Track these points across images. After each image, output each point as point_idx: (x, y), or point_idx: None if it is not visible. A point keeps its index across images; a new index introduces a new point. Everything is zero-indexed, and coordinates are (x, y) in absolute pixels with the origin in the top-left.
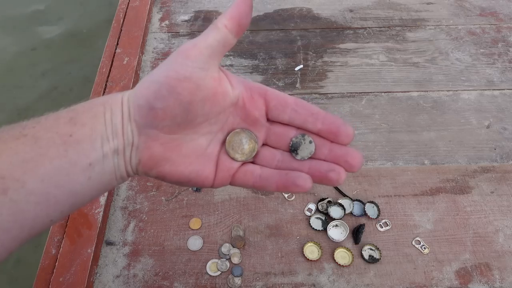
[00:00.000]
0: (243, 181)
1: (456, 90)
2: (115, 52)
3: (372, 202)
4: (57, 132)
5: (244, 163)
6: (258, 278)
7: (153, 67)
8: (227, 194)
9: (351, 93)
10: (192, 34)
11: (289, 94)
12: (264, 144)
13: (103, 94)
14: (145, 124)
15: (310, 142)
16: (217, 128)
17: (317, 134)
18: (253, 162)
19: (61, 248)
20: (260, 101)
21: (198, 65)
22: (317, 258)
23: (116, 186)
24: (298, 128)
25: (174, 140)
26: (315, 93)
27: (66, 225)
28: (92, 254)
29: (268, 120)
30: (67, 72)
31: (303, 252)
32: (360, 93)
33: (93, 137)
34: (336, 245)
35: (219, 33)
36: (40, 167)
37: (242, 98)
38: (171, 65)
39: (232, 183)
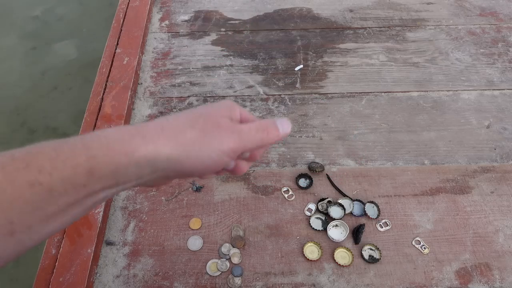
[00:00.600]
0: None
1: (456, 90)
2: (115, 52)
3: (372, 202)
4: (73, 184)
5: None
6: (258, 278)
7: (153, 67)
8: (227, 194)
9: (351, 93)
10: (192, 34)
11: (289, 94)
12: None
13: (103, 94)
14: (175, 177)
15: None
16: None
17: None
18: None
19: (61, 248)
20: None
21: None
22: (317, 258)
23: None
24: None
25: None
26: (315, 93)
27: None
28: (92, 254)
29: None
30: (67, 72)
31: (303, 252)
32: (360, 93)
33: (104, 188)
34: (336, 245)
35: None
36: (48, 215)
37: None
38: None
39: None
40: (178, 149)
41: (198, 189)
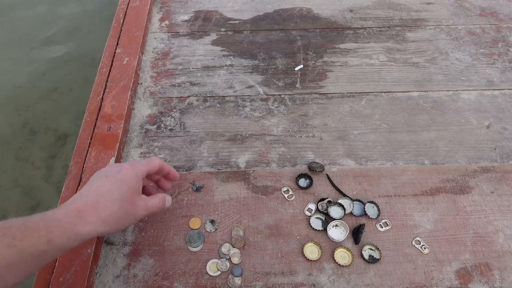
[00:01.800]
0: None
1: (456, 90)
2: (115, 52)
3: (372, 202)
4: (37, 248)
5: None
6: (258, 278)
7: (153, 67)
8: (227, 194)
9: (351, 93)
10: (192, 34)
11: (289, 94)
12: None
13: (103, 94)
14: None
15: None
16: None
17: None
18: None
19: None
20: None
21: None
22: (317, 258)
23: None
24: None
25: None
26: (315, 93)
27: None
28: (92, 254)
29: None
30: (67, 72)
31: (303, 252)
32: (360, 93)
33: (60, 251)
34: (336, 245)
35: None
36: (18, 270)
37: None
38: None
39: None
40: (109, 227)
41: (198, 189)
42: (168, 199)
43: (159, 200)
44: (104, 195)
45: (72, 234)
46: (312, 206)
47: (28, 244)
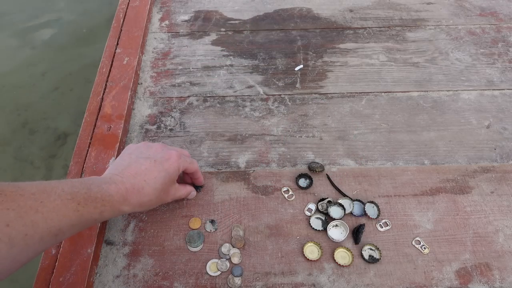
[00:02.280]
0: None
1: (456, 90)
2: (115, 52)
3: (372, 202)
4: (92, 214)
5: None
6: (258, 278)
7: (153, 67)
8: (227, 194)
9: (351, 93)
10: (192, 34)
11: (289, 94)
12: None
13: (103, 94)
14: (133, 208)
15: None
16: None
17: None
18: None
19: (61, 248)
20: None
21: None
22: (317, 258)
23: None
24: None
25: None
26: (315, 93)
27: None
28: (92, 254)
29: None
30: (67, 72)
31: (303, 252)
32: (360, 93)
33: (107, 218)
34: (336, 245)
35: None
36: (76, 229)
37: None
38: (159, 197)
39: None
40: (142, 209)
41: (198, 189)
42: (193, 193)
43: (186, 191)
44: (149, 182)
45: (117, 211)
46: (312, 206)
47: (87, 212)
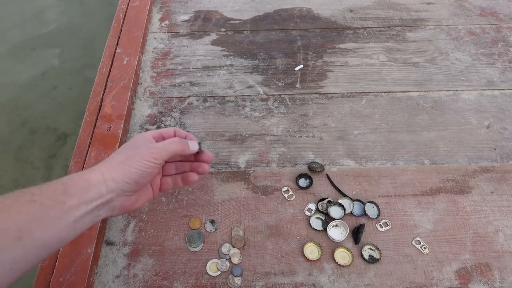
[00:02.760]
0: (165, 187)
1: (456, 90)
2: (115, 52)
3: (372, 202)
4: (55, 200)
5: (162, 177)
6: (258, 278)
7: (153, 67)
8: (227, 194)
9: (351, 93)
10: (192, 34)
11: (289, 94)
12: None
13: (103, 94)
14: (130, 191)
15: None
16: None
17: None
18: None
19: (61, 248)
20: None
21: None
22: (317, 258)
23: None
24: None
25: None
26: (315, 93)
27: None
28: (92, 254)
29: None
30: (67, 72)
31: (303, 252)
32: (360, 93)
33: (79, 203)
34: (336, 245)
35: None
36: (44, 224)
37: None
38: (140, 162)
39: (161, 190)
40: (116, 172)
41: (200, 147)
42: (192, 144)
43: (171, 141)
44: (116, 151)
45: (83, 181)
46: (312, 206)
47: (46, 197)
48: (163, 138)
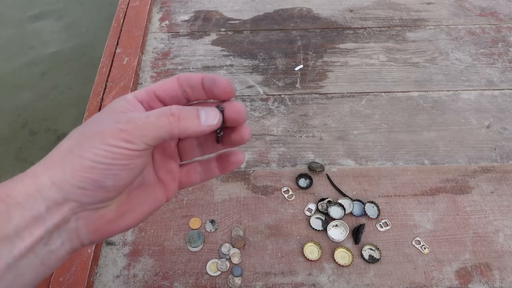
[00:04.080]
0: (189, 182)
1: (456, 90)
2: (115, 52)
3: (372, 202)
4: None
5: (181, 164)
6: (258, 278)
7: (153, 67)
8: (227, 194)
9: (351, 93)
10: (192, 34)
11: (289, 94)
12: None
13: (103, 94)
14: (93, 202)
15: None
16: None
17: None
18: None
19: None
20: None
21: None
22: (317, 258)
23: (50, 273)
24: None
25: (123, 194)
26: (315, 93)
27: None
28: (92, 254)
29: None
30: (67, 72)
31: (303, 252)
32: (360, 93)
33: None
34: (336, 245)
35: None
36: None
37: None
38: (102, 145)
39: (180, 188)
40: (56, 167)
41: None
42: (208, 114)
43: (162, 112)
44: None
45: (37, 182)
46: (312, 206)
47: None
48: (159, 100)
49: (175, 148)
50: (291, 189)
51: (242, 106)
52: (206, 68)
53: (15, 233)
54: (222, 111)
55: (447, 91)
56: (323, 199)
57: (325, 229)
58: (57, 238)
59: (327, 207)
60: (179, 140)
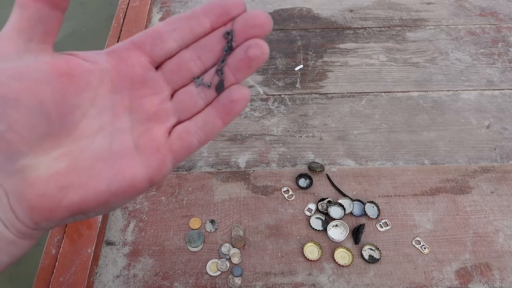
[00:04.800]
0: (186, 147)
1: (456, 90)
2: None
3: (372, 202)
4: None
5: (172, 127)
6: (258, 278)
7: None
8: (227, 194)
9: (351, 93)
10: None
11: (289, 94)
12: (174, 93)
13: None
14: (3, 160)
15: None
16: (107, 116)
17: (212, 30)
18: (178, 122)
19: (61, 248)
20: (135, 54)
21: (17, 58)
22: (317, 258)
23: (7, 260)
24: (192, 43)
25: (60, 160)
26: (315, 93)
27: (66, 225)
28: (92, 254)
29: (158, 66)
30: None
31: (303, 252)
32: (360, 93)
33: None
34: (336, 245)
35: (25, 9)
36: None
37: (112, 66)
38: None
39: (177, 160)
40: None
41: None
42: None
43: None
44: None
45: None
46: (312, 206)
47: None
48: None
49: (161, 104)
50: (291, 189)
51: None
52: None
53: None
54: (229, 35)
55: (447, 91)
56: (323, 199)
57: (325, 229)
58: None
59: (327, 207)
60: (174, 92)
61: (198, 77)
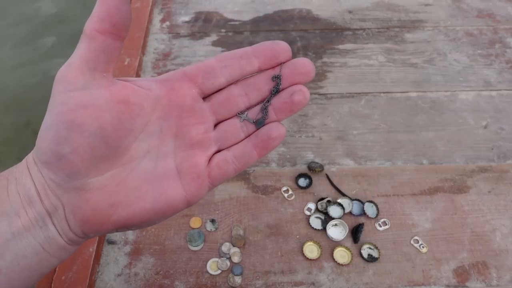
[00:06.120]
0: (223, 175)
1: (454, 91)
2: None
3: (371, 201)
4: None
5: (212, 155)
6: (258, 277)
7: (153, 68)
8: (227, 193)
9: (350, 93)
10: (192, 35)
11: None
12: (217, 124)
13: None
14: (63, 178)
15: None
16: (155, 140)
17: (259, 70)
18: (219, 150)
19: None
20: (187, 86)
21: (83, 86)
22: (317, 257)
23: (57, 262)
24: (239, 79)
25: (112, 179)
26: (314, 93)
27: None
28: (94, 253)
29: (206, 97)
30: None
31: (302, 251)
32: (359, 93)
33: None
34: (336, 244)
35: (92, 41)
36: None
37: (164, 94)
38: (55, 98)
39: (213, 185)
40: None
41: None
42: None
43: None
44: None
45: (1, 180)
46: (312, 206)
47: None
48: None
49: (206, 133)
50: (291, 188)
51: (307, 60)
52: None
53: (12, 209)
54: (277, 78)
55: (445, 91)
56: (322, 199)
57: (324, 228)
58: (51, 225)
59: (326, 207)
60: (218, 122)
61: (243, 112)
